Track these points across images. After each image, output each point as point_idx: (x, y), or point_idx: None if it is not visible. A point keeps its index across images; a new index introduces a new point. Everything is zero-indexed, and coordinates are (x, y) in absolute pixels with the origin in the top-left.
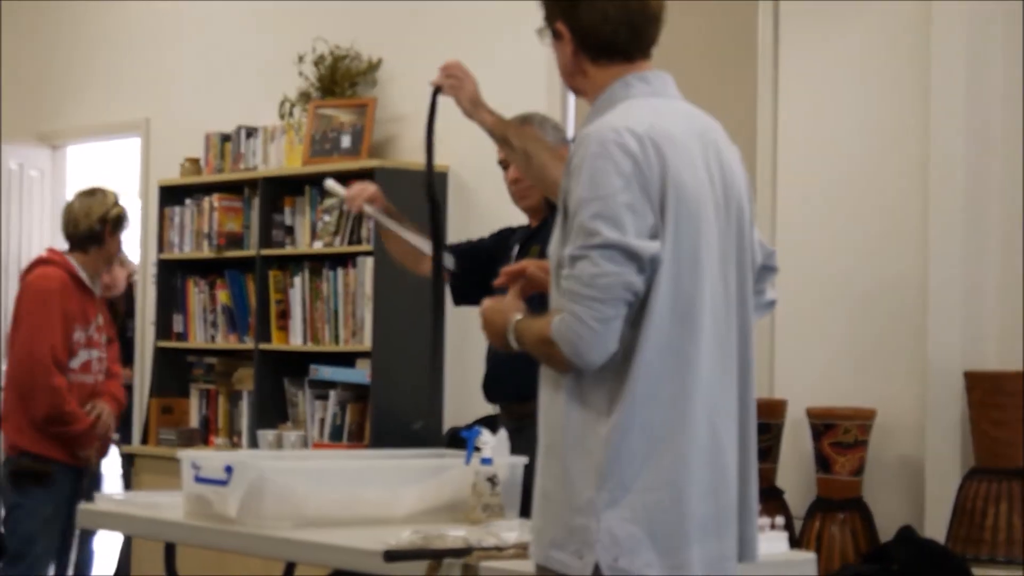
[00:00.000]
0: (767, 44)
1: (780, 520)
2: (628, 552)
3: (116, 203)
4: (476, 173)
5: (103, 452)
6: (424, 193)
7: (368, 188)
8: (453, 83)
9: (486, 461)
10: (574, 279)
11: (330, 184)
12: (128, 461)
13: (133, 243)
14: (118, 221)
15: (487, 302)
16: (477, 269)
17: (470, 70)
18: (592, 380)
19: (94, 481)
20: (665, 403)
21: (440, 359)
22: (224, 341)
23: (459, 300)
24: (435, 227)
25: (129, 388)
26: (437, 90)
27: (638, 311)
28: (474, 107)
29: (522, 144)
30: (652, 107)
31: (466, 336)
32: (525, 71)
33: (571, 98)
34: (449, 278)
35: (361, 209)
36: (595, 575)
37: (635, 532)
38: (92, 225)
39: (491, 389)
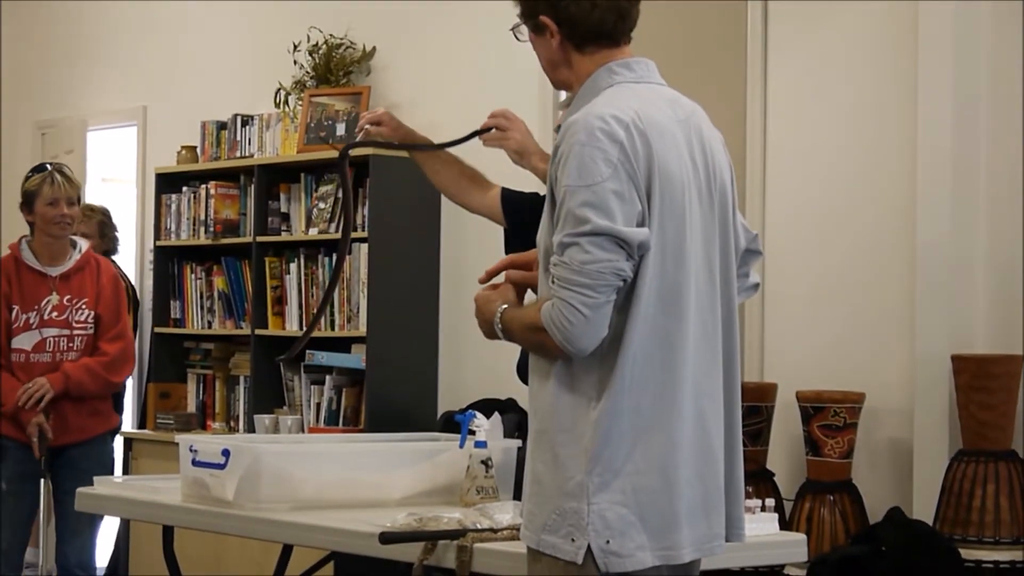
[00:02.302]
0: (756, 41)
1: (770, 502)
2: (619, 535)
3: (26, 179)
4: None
5: (60, 430)
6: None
7: (377, 112)
8: (497, 133)
9: (480, 444)
10: (564, 266)
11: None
12: (126, 445)
13: (130, 230)
14: (26, 196)
15: (480, 291)
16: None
17: (516, 116)
18: (581, 366)
19: (48, 458)
20: (653, 387)
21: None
22: (221, 327)
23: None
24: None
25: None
26: (478, 132)
27: (625, 297)
28: (521, 157)
29: None
30: (636, 94)
31: (460, 322)
32: (518, 60)
33: None
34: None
35: (367, 133)
36: (587, 558)
37: (626, 515)
38: (20, 207)
39: (525, 369)
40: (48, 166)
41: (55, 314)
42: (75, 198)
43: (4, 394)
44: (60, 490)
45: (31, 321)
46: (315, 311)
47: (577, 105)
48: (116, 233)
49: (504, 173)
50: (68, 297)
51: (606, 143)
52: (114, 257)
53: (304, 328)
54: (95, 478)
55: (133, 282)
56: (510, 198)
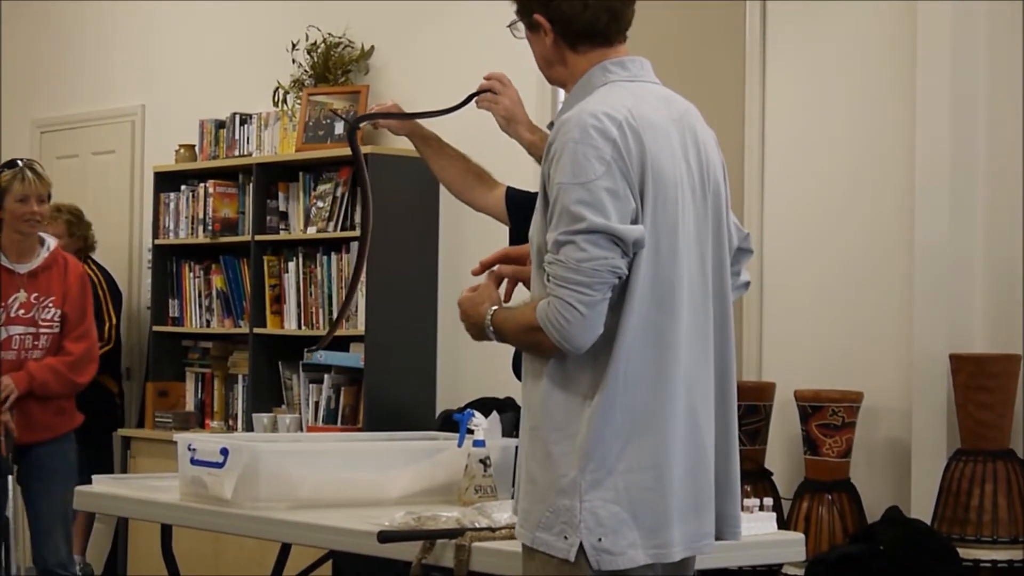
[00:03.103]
0: (755, 42)
1: (768, 501)
2: (611, 532)
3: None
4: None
5: (27, 429)
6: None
7: (385, 104)
8: (489, 96)
9: (479, 443)
10: (560, 264)
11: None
12: (125, 444)
13: (126, 228)
14: None
15: (463, 294)
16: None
17: (511, 83)
18: (574, 363)
19: (15, 456)
20: (646, 385)
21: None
22: (219, 326)
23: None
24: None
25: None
26: (474, 94)
27: (619, 295)
28: (508, 123)
29: None
30: (630, 92)
31: (458, 321)
32: (517, 58)
33: None
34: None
35: (376, 124)
36: (579, 556)
37: (618, 512)
38: None
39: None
40: (19, 162)
41: (22, 312)
42: (45, 195)
43: None
44: (30, 490)
45: None
46: (343, 301)
47: (571, 103)
48: (90, 231)
49: (507, 173)
50: (35, 295)
51: (599, 141)
52: (93, 256)
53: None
54: (93, 476)
55: (126, 280)
56: (515, 197)
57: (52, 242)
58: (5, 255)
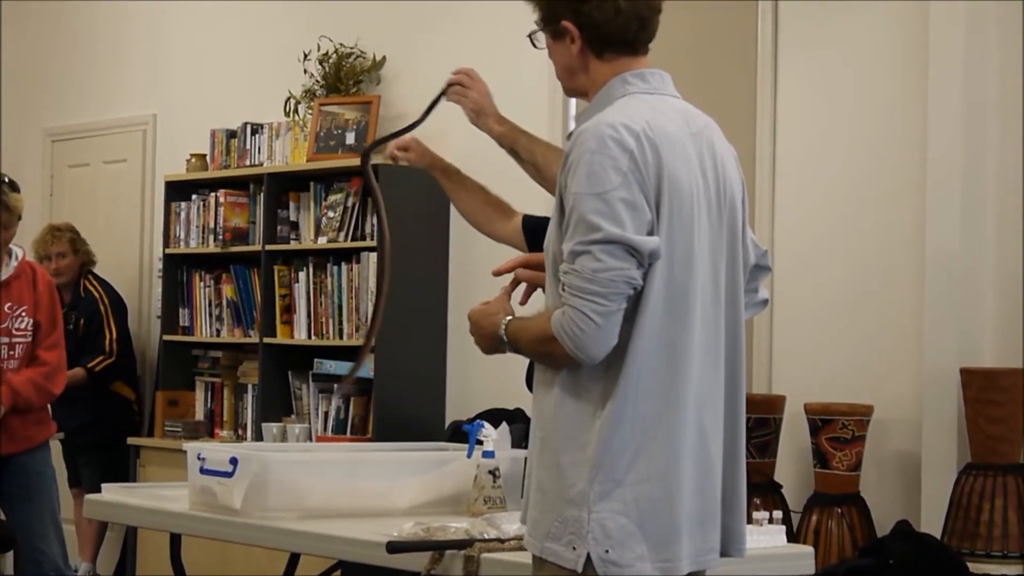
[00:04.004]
0: (766, 53)
1: (778, 514)
2: (619, 544)
3: None
4: (481, 170)
5: (7, 440)
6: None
7: (403, 139)
8: (458, 89)
9: (488, 454)
10: (575, 274)
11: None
12: (134, 453)
13: (137, 238)
14: None
15: (474, 307)
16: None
17: (480, 76)
18: (587, 373)
19: None
20: (657, 397)
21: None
22: (229, 335)
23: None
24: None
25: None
26: (444, 91)
27: (632, 306)
28: (477, 116)
29: (531, 156)
30: (649, 104)
31: (468, 333)
32: (529, 69)
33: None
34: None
35: (395, 159)
36: (587, 567)
37: (626, 525)
38: None
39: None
40: None
41: None
42: (13, 223)
43: None
44: (14, 501)
45: None
46: (368, 328)
47: (589, 113)
48: (87, 247)
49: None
50: (8, 305)
51: (616, 151)
52: (94, 270)
53: (334, 336)
54: (103, 485)
55: (137, 289)
56: (531, 224)
57: (19, 252)
58: None
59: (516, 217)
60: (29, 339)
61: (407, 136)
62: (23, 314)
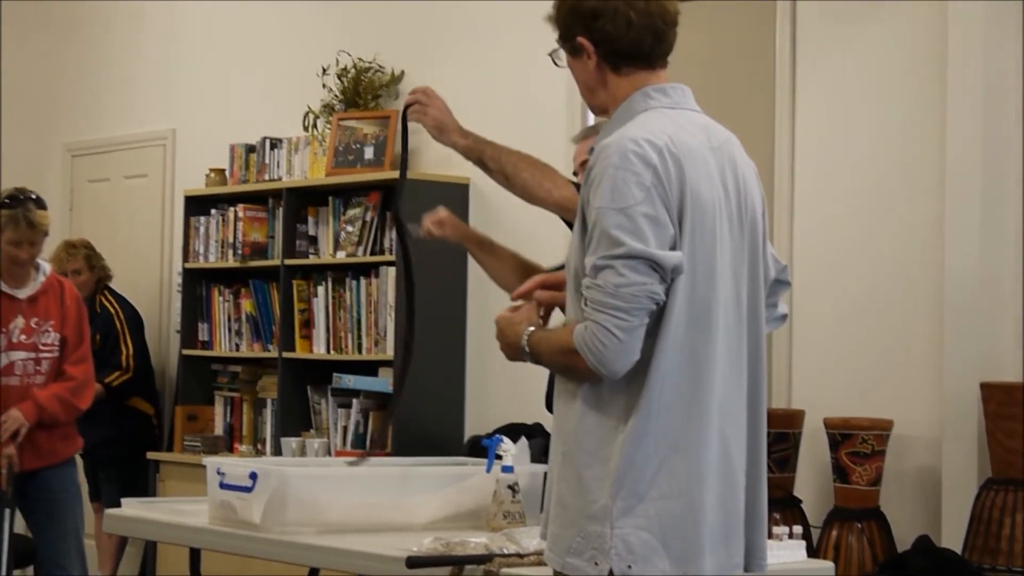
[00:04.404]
0: (784, 55)
1: (798, 529)
2: (642, 560)
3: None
4: (498, 186)
5: (33, 455)
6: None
7: (439, 214)
8: (417, 108)
9: (507, 469)
10: (598, 289)
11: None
12: (154, 468)
13: (157, 252)
14: None
15: (501, 313)
16: None
17: (436, 92)
18: (609, 388)
19: (16, 487)
20: (680, 412)
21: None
22: (248, 350)
23: None
24: (404, 247)
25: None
26: (404, 114)
27: (655, 320)
28: (440, 132)
29: (499, 165)
30: (671, 119)
31: (487, 347)
32: (546, 84)
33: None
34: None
35: (431, 235)
36: None
37: (649, 540)
38: None
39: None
40: (20, 197)
41: (23, 337)
42: (39, 239)
43: None
44: (37, 515)
45: None
46: (402, 354)
47: (611, 129)
48: (104, 262)
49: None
50: (35, 320)
51: (639, 166)
52: (110, 285)
53: (353, 351)
54: (123, 500)
55: (156, 304)
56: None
57: (47, 267)
58: (3, 282)
59: None
60: (56, 354)
61: (442, 212)
62: (50, 329)
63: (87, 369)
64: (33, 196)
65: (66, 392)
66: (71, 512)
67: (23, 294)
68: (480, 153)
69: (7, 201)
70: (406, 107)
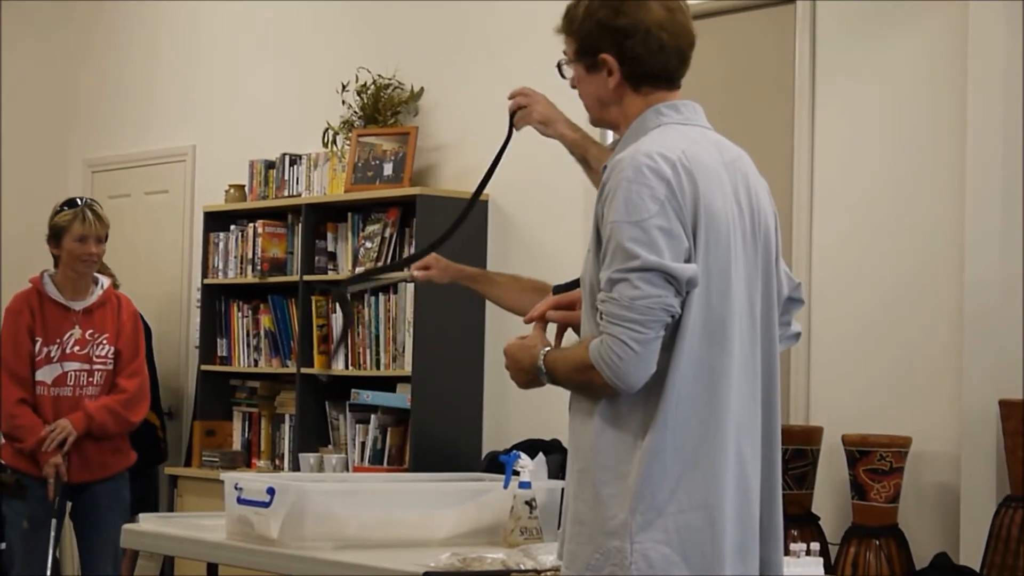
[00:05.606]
0: (804, 74)
1: (815, 546)
2: (662, 574)
3: (57, 212)
4: (516, 202)
5: (82, 467)
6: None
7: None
8: (521, 114)
9: (524, 485)
10: (613, 302)
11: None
12: (172, 483)
13: (177, 268)
14: (55, 230)
15: (510, 342)
16: None
17: (533, 89)
18: (625, 403)
19: (63, 498)
20: (697, 425)
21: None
22: (267, 365)
23: None
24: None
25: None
26: (512, 116)
27: (671, 334)
28: (546, 125)
29: (600, 165)
30: (683, 134)
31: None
32: (567, 99)
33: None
34: None
35: (416, 279)
36: None
37: (669, 554)
38: (47, 239)
39: None
40: (79, 201)
41: (77, 348)
42: (104, 236)
43: (26, 431)
44: (83, 526)
45: (52, 355)
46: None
47: (624, 144)
48: (109, 271)
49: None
50: (90, 332)
51: (653, 180)
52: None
53: (372, 367)
54: (140, 515)
55: (176, 319)
56: (561, 289)
57: (105, 280)
58: (60, 292)
59: (549, 292)
60: (110, 367)
61: (430, 257)
62: (104, 341)
63: (141, 383)
64: (87, 199)
65: (117, 404)
66: (116, 526)
67: (79, 306)
68: (584, 151)
69: (66, 206)
70: (511, 114)
